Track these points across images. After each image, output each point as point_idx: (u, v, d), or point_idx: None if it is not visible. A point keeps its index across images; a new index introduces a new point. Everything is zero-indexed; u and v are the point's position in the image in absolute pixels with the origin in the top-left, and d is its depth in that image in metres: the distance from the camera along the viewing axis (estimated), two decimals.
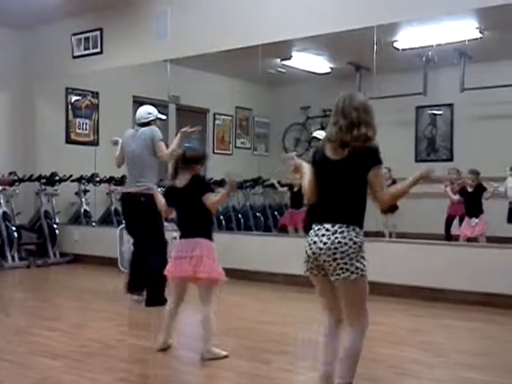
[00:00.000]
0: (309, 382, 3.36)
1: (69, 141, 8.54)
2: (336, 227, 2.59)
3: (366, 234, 2.77)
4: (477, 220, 6.20)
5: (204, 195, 3.57)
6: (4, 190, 7.73)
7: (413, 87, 7.23)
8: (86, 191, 8.33)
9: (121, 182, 7.31)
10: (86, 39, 8.13)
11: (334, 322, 2.78)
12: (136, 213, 5.20)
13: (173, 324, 3.76)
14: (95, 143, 8.46)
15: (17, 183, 7.95)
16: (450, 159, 7.46)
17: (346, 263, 2.57)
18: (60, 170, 8.08)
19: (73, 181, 8.15)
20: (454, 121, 7.58)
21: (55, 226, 7.98)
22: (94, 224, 8.32)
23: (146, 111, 5.46)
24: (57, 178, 8.06)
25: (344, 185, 2.64)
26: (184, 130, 5.24)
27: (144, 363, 3.53)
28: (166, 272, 3.70)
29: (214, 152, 8.97)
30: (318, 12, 6.14)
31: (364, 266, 2.62)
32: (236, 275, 5.31)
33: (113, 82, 8.15)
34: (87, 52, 8.12)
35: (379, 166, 2.59)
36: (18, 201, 8.00)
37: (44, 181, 8.08)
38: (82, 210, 8.33)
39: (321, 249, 2.59)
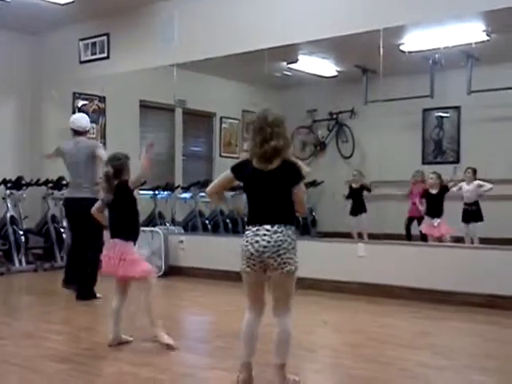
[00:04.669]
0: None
1: None
2: (275, 227, 2.91)
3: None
4: (439, 220, 6.31)
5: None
6: (12, 194, 7.77)
7: (420, 90, 7.22)
8: None
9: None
10: (93, 44, 8.17)
11: (256, 314, 3.06)
12: (80, 214, 5.43)
13: (119, 321, 3.95)
14: None
15: (24, 187, 7.98)
16: (457, 161, 7.44)
17: (288, 257, 2.90)
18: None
19: None
20: (461, 123, 7.55)
21: (62, 229, 8.00)
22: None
23: (86, 119, 5.95)
24: (64, 182, 8.06)
25: (276, 191, 2.98)
26: None
27: (150, 366, 3.52)
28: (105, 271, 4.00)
29: (220, 155, 8.99)
30: (325, 15, 6.14)
31: (297, 259, 2.97)
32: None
33: (120, 87, 8.17)
34: (94, 57, 8.16)
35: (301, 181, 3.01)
36: (26, 205, 8.03)
37: (51, 185, 8.10)
38: None
39: (265, 246, 2.89)
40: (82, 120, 5.86)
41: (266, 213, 2.97)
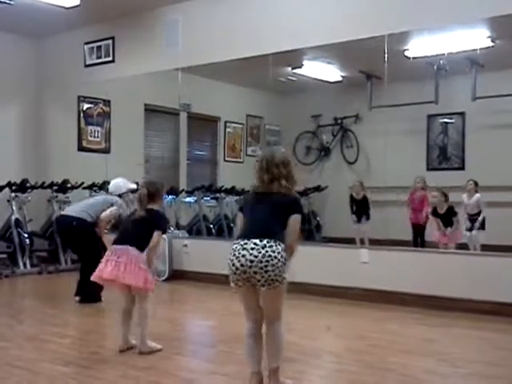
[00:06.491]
0: None
1: (81, 148, 8.58)
2: (264, 241, 2.83)
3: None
4: (450, 229, 6.36)
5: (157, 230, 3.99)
6: (16, 196, 7.79)
7: (424, 96, 7.21)
8: None
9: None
10: (98, 48, 8.19)
11: (255, 322, 3.03)
12: (68, 232, 5.91)
13: (127, 328, 3.95)
14: (107, 151, 8.50)
15: (29, 190, 8.00)
16: (462, 168, 7.43)
17: (276, 275, 2.81)
18: (72, 177, 8.12)
19: (84, 188, 8.16)
20: (466, 129, 7.54)
21: None
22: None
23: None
24: (68, 185, 8.10)
25: (270, 208, 2.95)
26: None
27: (154, 370, 3.53)
28: (94, 274, 3.95)
29: (224, 160, 9.00)
30: (330, 21, 6.14)
31: (286, 274, 2.88)
32: None
33: (124, 90, 8.19)
34: (99, 60, 8.18)
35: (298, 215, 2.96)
36: (30, 208, 8.05)
37: (56, 188, 8.12)
38: None
39: (251, 261, 2.81)
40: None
41: (255, 227, 2.91)
